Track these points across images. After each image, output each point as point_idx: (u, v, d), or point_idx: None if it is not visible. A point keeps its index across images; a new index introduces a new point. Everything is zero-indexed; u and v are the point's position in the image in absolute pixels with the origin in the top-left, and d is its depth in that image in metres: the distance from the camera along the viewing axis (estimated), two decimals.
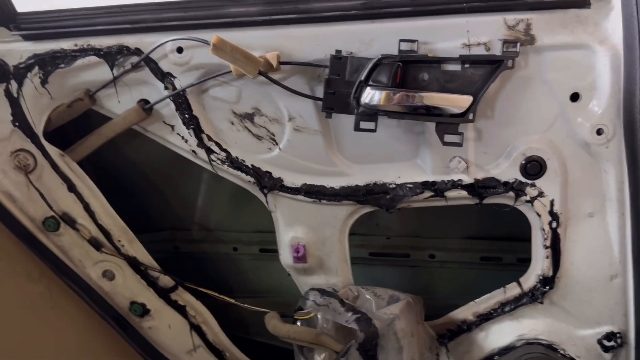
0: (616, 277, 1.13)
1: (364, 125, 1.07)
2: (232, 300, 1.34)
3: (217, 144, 1.22)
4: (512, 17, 1.01)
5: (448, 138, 1.05)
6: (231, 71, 1.10)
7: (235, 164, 1.22)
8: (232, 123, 1.20)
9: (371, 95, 1.02)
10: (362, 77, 1.03)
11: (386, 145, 1.15)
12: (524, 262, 1.22)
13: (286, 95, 1.13)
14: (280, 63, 1.08)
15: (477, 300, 1.25)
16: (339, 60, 1.05)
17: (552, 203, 1.12)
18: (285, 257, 1.29)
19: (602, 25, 0.99)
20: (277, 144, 1.20)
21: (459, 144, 1.05)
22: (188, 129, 1.20)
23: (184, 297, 1.39)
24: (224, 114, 1.20)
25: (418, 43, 1.03)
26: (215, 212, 1.69)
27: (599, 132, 1.03)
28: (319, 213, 1.23)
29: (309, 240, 1.26)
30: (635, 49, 0.91)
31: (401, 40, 1.02)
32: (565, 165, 1.09)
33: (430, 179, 1.15)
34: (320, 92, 1.10)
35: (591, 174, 1.09)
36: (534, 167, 1.10)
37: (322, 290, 1.28)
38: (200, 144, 1.21)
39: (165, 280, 1.37)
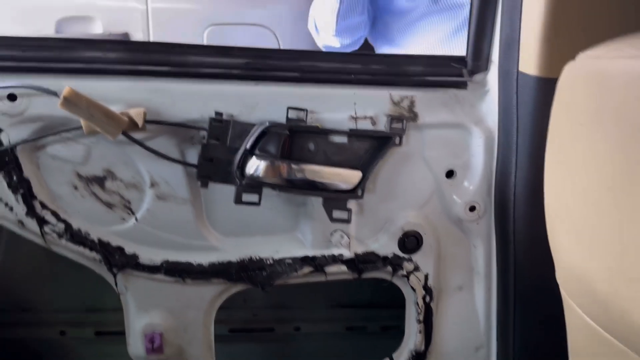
0: (481, 348, 1.16)
1: (246, 197, 0.95)
2: None
3: (54, 213, 0.98)
4: (397, 93, 1.00)
5: (336, 214, 0.99)
6: (80, 127, 0.90)
7: (77, 237, 0.99)
8: (76, 188, 0.98)
9: (257, 166, 0.91)
10: (248, 145, 0.92)
11: (264, 217, 1.04)
12: (387, 330, 1.20)
13: (149, 158, 0.96)
14: (147, 122, 0.91)
15: None
16: (219, 123, 0.93)
17: (426, 277, 1.11)
18: (136, 347, 1.08)
19: (478, 107, 1.03)
20: (133, 214, 1.01)
21: (347, 221, 1.00)
22: (15, 194, 0.95)
23: None
24: (65, 176, 0.97)
25: (307, 112, 0.96)
26: (36, 289, 1.37)
27: (472, 209, 1.06)
28: (182, 294, 1.06)
29: (168, 326, 1.07)
30: (512, 135, 0.95)
31: (289, 108, 0.94)
32: (439, 240, 1.10)
33: (310, 253, 1.07)
34: (191, 156, 0.96)
35: (462, 249, 1.11)
36: (411, 242, 1.08)
37: None
38: (31, 212, 0.96)
39: None
